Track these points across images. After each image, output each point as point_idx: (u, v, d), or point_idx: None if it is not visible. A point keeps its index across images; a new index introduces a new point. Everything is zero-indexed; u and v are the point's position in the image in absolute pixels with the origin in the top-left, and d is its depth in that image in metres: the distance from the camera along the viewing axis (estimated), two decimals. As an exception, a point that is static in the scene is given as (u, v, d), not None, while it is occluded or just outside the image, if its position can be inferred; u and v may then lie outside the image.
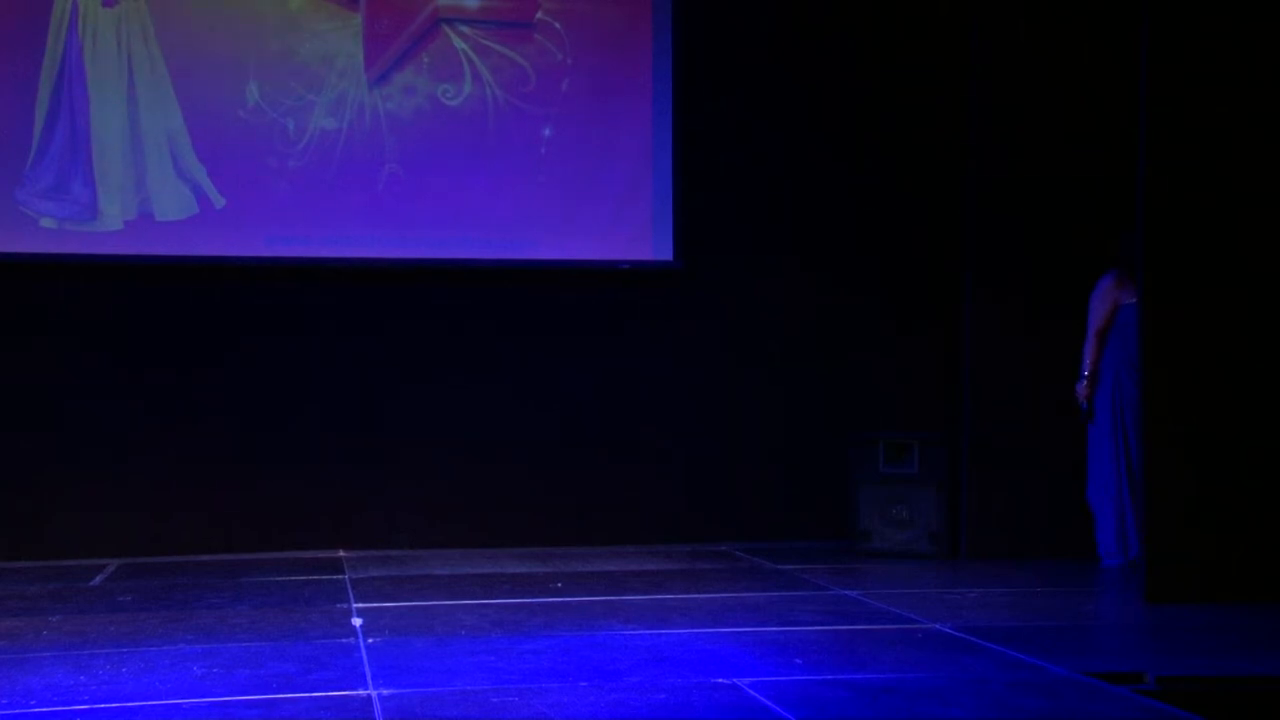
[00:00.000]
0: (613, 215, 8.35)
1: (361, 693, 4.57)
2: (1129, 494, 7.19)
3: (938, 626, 5.69)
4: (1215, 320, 6.26)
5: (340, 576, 7.08)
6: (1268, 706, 4.76)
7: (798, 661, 5.04)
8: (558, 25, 8.32)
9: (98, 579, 7.08)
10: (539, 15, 8.31)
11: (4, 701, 4.46)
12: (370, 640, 5.41)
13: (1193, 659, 5.17)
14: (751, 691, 4.57)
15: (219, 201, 7.99)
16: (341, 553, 7.88)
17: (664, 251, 8.38)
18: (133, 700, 4.48)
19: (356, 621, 5.80)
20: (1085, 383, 7.31)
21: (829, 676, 4.81)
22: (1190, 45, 6.26)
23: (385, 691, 4.58)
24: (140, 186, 7.92)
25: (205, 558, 7.68)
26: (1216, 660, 5.14)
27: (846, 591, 6.61)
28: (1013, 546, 7.50)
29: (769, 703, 4.43)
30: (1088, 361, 7.31)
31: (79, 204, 7.87)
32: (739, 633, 5.58)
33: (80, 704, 4.43)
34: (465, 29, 8.25)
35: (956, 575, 7.19)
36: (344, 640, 5.43)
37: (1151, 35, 6.26)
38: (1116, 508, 7.25)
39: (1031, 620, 5.91)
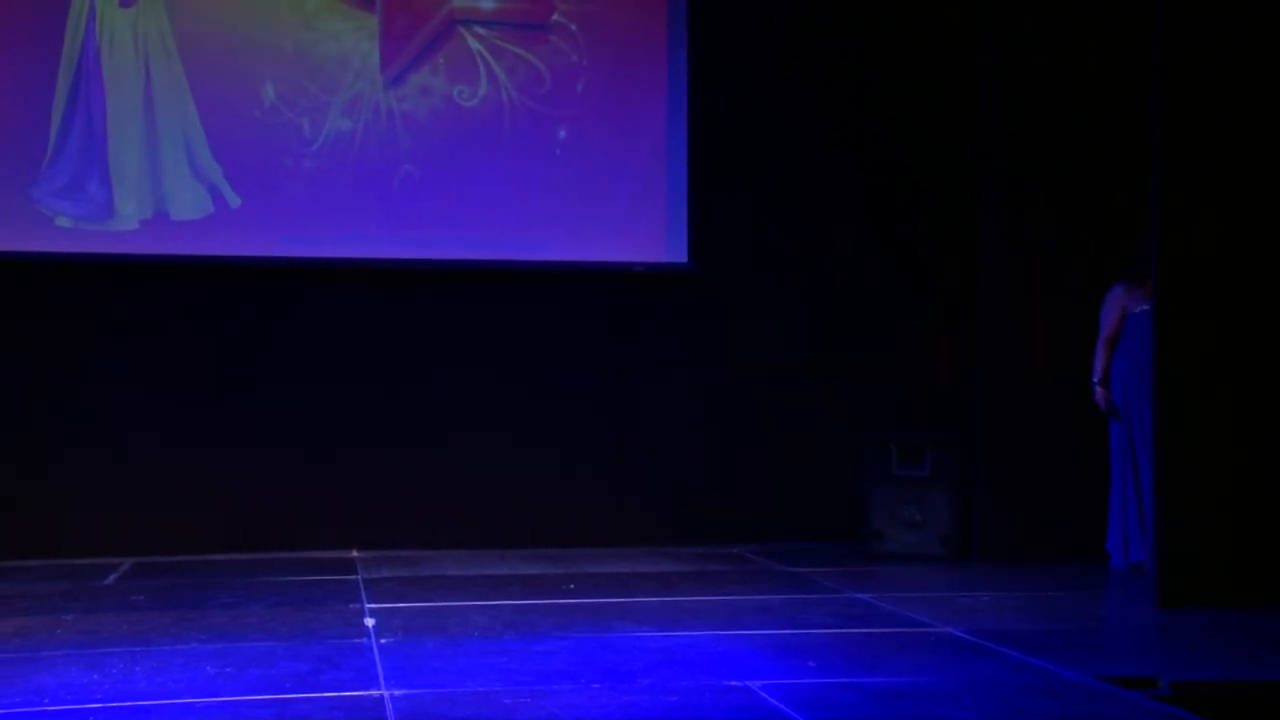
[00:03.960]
0: (627, 217, 8.35)
1: (374, 693, 4.58)
2: (1134, 500, 7.19)
3: (949, 629, 5.68)
4: (1228, 325, 6.24)
5: (353, 577, 7.09)
6: (1281, 712, 4.75)
7: (809, 664, 5.04)
8: (573, 27, 8.33)
9: (111, 578, 7.10)
10: (554, 17, 8.32)
11: (17, 700, 4.48)
12: (383, 640, 5.42)
13: (1206, 663, 5.16)
14: (763, 694, 4.57)
15: (234, 201, 8.01)
16: (354, 553, 7.89)
17: (678, 253, 8.38)
18: (145, 699, 4.49)
19: (369, 622, 5.81)
20: (1098, 389, 7.30)
21: (840, 679, 4.81)
22: (1204, 47, 6.24)
23: (397, 692, 4.59)
24: (156, 186, 7.94)
25: (218, 557, 7.70)
26: (1230, 665, 5.13)
27: (858, 594, 6.60)
28: (1024, 549, 7.48)
29: (780, 705, 4.43)
30: (1098, 368, 7.31)
31: (95, 203, 7.89)
32: (751, 635, 5.58)
33: (93, 703, 4.45)
34: (481, 30, 8.26)
35: (968, 578, 7.18)
36: (356, 640, 5.44)
37: (1164, 39, 6.25)
38: (1121, 513, 7.25)
39: (1043, 623, 5.90)
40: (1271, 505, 6.24)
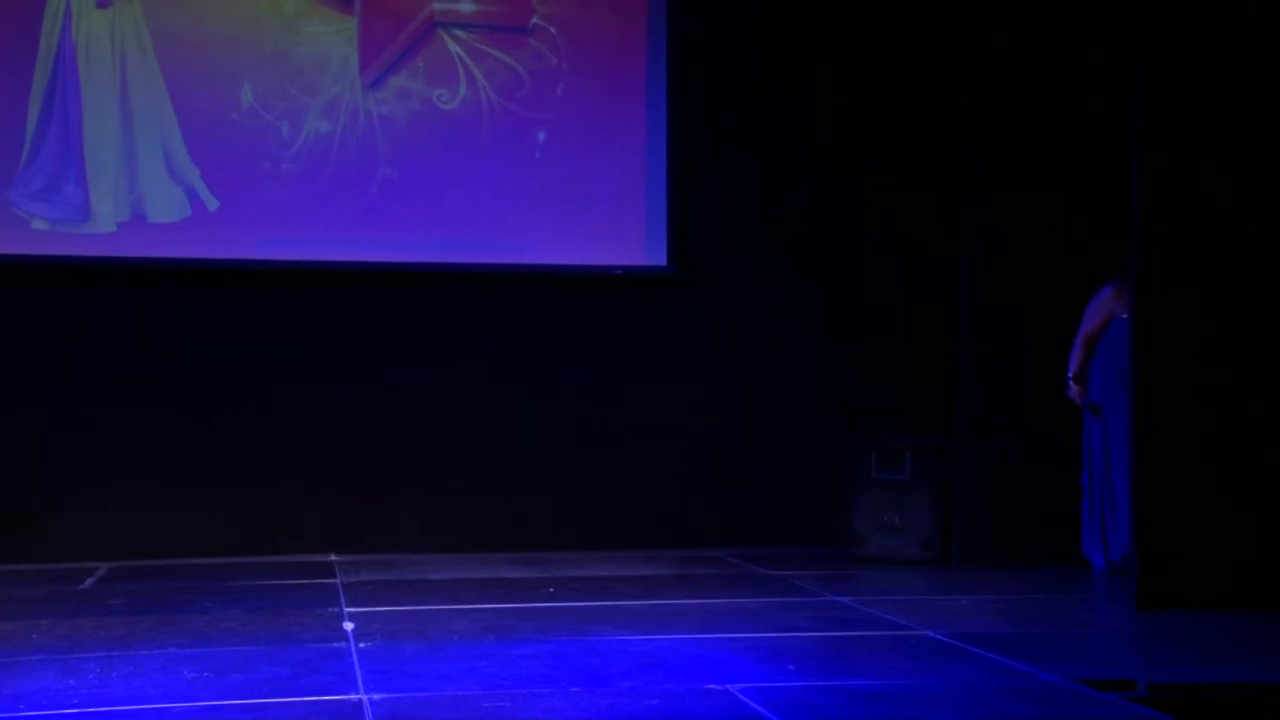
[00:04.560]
0: (607, 220, 8.35)
1: (353, 697, 4.57)
2: (1108, 500, 7.22)
3: (929, 633, 5.69)
4: (1207, 329, 6.27)
5: (332, 580, 7.07)
6: (1258, 714, 4.76)
7: (790, 667, 5.04)
8: (552, 29, 8.32)
9: (88, 582, 7.07)
10: (534, 20, 8.32)
11: (-7, 705, 4.46)
12: (362, 644, 5.40)
13: (1183, 666, 5.18)
14: (743, 697, 4.57)
15: (212, 204, 7.98)
16: (333, 557, 7.87)
17: (658, 256, 8.38)
18: (122, 704, 4.47)
19: (348, 625, 5.80)
20: (1073, 385, 7.31)
21: (821, 682, 4.81)
22: (1187, 54, 6.27)
23: (376, 696, 4.57)
24: (133, 188, 7.91)
25: (197, 561, 7.67)
26: (1207, 668, 5.15)
27: (839, 597, 6.61)
28: (1004, 553, 7.48)
29: (761, 708, 4.43)
30: (1074, 364, 7.32)
31: (71, 205, 7.85)
32: (731, 638, 5.58)
33: (70, 708, 4.42)
34: (460, 33, 8.25)
35: (948, 582, 7.19)
36: (335, 644, 5.42)
37: (1147, 47, 6.28)
38: (1097, 513, 7.27)
39: (1022, 627, 5.92)
40: (1249, 509, 6.26)
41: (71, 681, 4.77)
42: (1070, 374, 7.34)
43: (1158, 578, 6.19)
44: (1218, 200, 6.29)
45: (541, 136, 8.29)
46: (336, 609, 6.23)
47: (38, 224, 7.83)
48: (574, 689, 4.69)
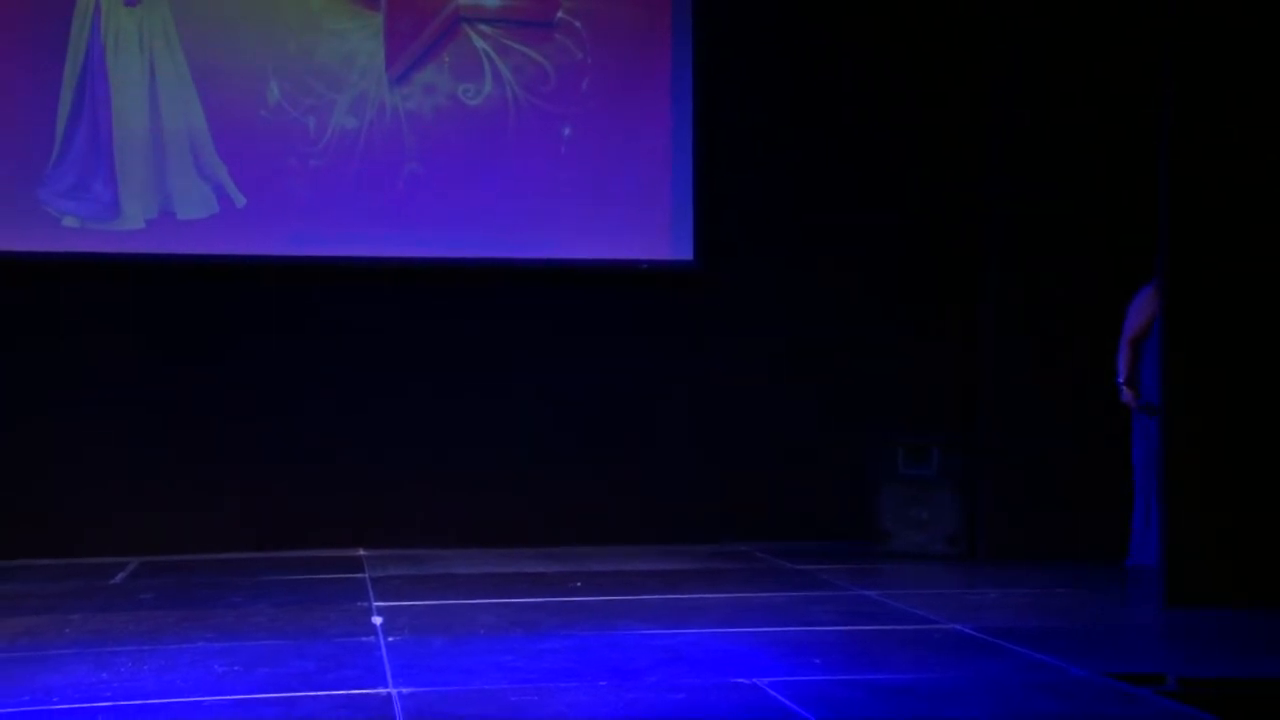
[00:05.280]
0: (632, 215, 8.35)
1: (381, 691, 4.59)
2: (1153, 500, 7.17)
3: (956, 627, 5.68)
4: (1236, 324, 6.23)
5: (360, 575, 7.10)
6: (1288, 709, 4.75)
7: (816, 661, 5.04)
8: (578, 24, 8.33)
9: (118, 577, 7.11)
10: (559, 14, 8.32)
11: (26, 699, 4.49)
12: (390, 639, 5.42)
13: (1213, 661, 5.16)
14: (770, 691, 4.58)
15: (240, 200, 8.02)
16: (361, 551, 7.90)
17: (683, 251, 8.38)
18: (153, 698, 4.50)
19: (376, 620, 5.82)
20: (1125, 389, 7.23)
21: (847, 676, 4.81)
22: (1215, 52, 6.24)
23: (405, 690, 4.60)
24: (161, 185, 7.95)
25: (225, 556, 7.71)
26: (1237, 663, 5.13)
27: (865, 592, 6.60)
28: (1030, 548, 7.47)
29: (787, 702, 4.44)
30: (1123, 368, 7.25)
31: (101, 203, 7.90)
32: (758, 632, 5.59)
33: (101, 701, 4.46)
34: (486, 28, 8.26)
35: (974, 576, 7.18)
36: (364, 639, 5.44)
37: (1175, 44, 6.25)
38: (1141, 512, 7.22)
39: (1050, 621, 5.90)
40: (1278, 503, 6.22)
41: (103, 675, 4.81)
42: (1120, 379, 7.25)
43: (1186, 573, 6.16)
44: (1247, 199, 6.24)
45: (567, 131, 8.30)
46: (365, 603, 6.25)
47: (68, 221, 7.88)
48: (600, 683, 4.70)
